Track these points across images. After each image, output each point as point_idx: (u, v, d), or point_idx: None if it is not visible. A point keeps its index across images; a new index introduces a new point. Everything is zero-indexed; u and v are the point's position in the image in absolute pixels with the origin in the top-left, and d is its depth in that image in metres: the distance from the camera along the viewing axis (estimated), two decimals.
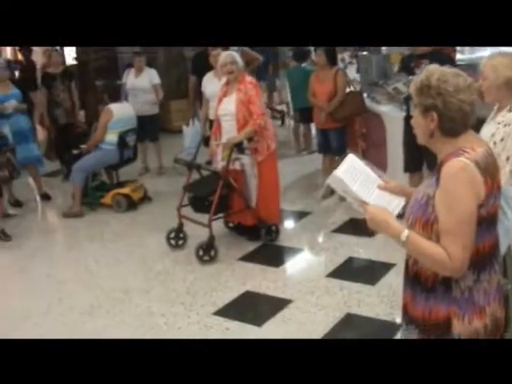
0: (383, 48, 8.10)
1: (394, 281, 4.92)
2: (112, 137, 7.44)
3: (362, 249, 5.94)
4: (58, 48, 9.49)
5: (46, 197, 8.35)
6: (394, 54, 7.57)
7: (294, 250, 6.03)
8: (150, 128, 8.75)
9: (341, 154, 6.95)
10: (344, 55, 10.49)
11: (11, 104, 7.65)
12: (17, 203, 8.11)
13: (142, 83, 8.75)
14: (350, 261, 5.68)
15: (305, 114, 8.59)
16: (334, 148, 7.23)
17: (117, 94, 8.05)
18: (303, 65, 9.05)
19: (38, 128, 9.01)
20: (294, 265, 5.84)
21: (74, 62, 12.16)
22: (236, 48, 7.36)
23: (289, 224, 6.81)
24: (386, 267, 5.35)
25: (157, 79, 8.84)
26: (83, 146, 7.69)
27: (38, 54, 11.85)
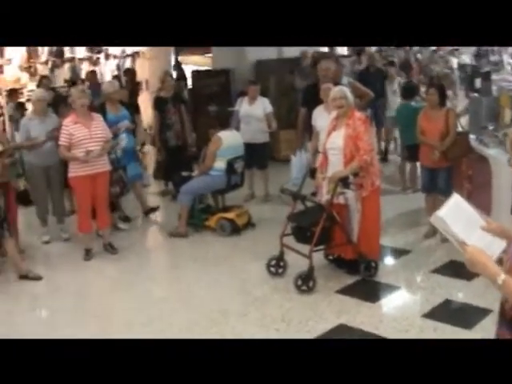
0: (493, 88, 8.00)
1: (491, 327, 4.82)
2: (220, 163, 7.68)
3: (459, 292, 5.87)
4: (172, 73, 9.90)
5: (152, 210, 8.72)
6: (504, 96, 7.45)
7: (392, 287, 6.02)
8: (259, 156, 8.97)
9: (446, 193, 6.88)
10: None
11: (124, 124, 8.08)
12: (126, 219, 8.50)
13: (256, 111, 8.99)
14: (446, 303, 5.62)
15: (412, 152, 8.56)
16: (440, 187, 7.16)
17: (227, 121, 8.29)
18: (412, 102, 9.04)
19: (149, 149, 9.40)
20: (390, 302, 5.84)
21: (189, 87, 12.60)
22: (346, 82, 7.48)
23: (388, 260, 6.80)
24: (483, 313, 5.25)
25: (270, 108, 9.06)
26: (193, 174, 7.98)
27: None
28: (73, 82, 13.43)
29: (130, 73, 12.68)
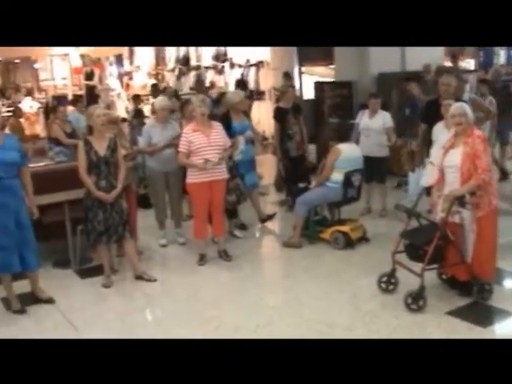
0: None
1: None
2: (338, 175, 7.68)
3: None
4: (294, 85, 10.03)
5: (268, 218, 8.85)
6: None
7: (505, 313, 5.79)
8: (377, 169, 8.91)
9: None
10: None
11: (248, 134, 8.27)
12: (242, 226, 8.67)
13: (376, 125, 8.94)
14: None
15: None
16: None
17: (347, 133, 8.29)
18: None
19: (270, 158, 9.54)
20: (503, 328, 5.62)
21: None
22: (467, 98, 7.30)
23: (504, 284, 6.56)
24: None
25: (390, 123, 8.97)
26: (310, 186, 8.02)
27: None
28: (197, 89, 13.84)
29: (241, 83, 12.91)
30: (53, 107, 12.49)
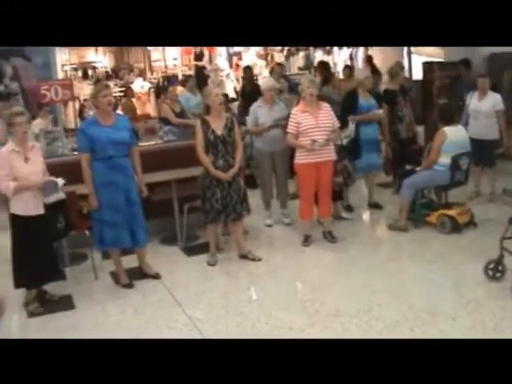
0: None
1: None
2: (445, 159, 7.49)
3: None
4: (403, 66, 9.84)
5: (375, 206, 8.78)
6: None
7: None
8: (487, 153, 8.63)
9: None
10: None
11: (377, 112, 8.32)
12: (349, 208, 8.63)
13: (485, 107, 8.64)
14: None
15: None
16: None
17: (453, 115, 8.03)
18: None
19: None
20: None
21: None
22: None
23: None
24: None
25: (500, 105, 8.64)
26: (417, 168, 7.87)
27: None
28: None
29: (322, 65, 12.75)
30: (163, 87, 12.77)
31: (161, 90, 13.23)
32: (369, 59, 14.31)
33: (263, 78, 13.61)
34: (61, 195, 6.14)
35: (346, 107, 8.47)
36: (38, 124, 10.01)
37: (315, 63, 15.93)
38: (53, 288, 6.45)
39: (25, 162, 5.94)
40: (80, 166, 6.29)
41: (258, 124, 8.02)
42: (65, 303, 6.28)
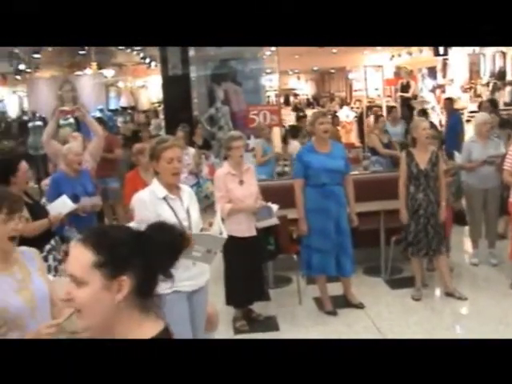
0: None
1: None
2: None
3: None
4: None
5: None
6: None
7: None
8: None
9: None
10: None
11: None
12: None
13: None
14: None
15: None
16: None
17: None
18: None
19: None
20: None
21: None
22: None
23: None
24: None
25: None
26: None
27: None
28: None
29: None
30: (376, 115, 12.75)
31: (375, 119, 13.28)
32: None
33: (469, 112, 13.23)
34: (273, 220, 6.29)
35: None
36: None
37: None
38: (258, 308, 6.61)
39: (240, 184, 6.16)
40: (292, 191, 6.42)
41: (471, 160, 7.75)
42: (269, 324, 6.42)
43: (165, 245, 1.87)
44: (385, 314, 6.55)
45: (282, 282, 7.50)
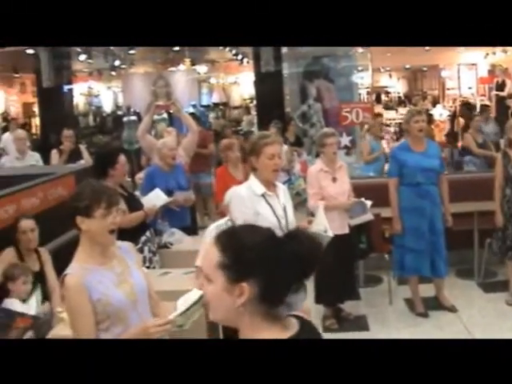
0: None
1: None
2: None
3: None
4: None
5: None
6: None
7: None
8: None
9: None
10: None
11: None
12: None
13: None
14: None
15: None
16: None
17: None
18: None
19: None
20: None
21: None
22: None
23: None
24: None
25: None
26: None
27: None
28: None
29: None
30: (468, 116, 12.48)
31: (466, 120, 12.99)
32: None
33: None
34: (368, 216, 6.25)
35: None
36: None
37: None
38: (348, 306, 6.58)
39: (333, 181, 6.14)
40: (385, 189, 6.36)
41: None
42: (359, 323, 6.38)
43: (300, 254, 1.78)
44: (477, 319, 6.38)
45: (373, 282, 7.43)
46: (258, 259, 1.76)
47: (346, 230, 6.13)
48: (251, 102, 19.68)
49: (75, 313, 3.10)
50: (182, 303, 3.02)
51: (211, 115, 19.00)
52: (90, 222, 3.08)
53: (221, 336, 4.62)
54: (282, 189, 4.53)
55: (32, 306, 4.16)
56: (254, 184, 4.36)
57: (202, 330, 4.19)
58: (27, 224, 5.10)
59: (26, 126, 16.99)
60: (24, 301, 4.59)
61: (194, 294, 2.79)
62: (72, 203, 3.16)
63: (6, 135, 12.63)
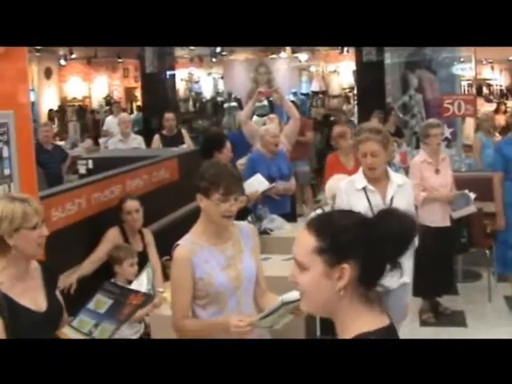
0: None
1: None
2: None
3: None
4: None
5: None
6: None
7: None
8: None
9: None
10: None
11: None
12: None
13: None
14: None
15: None
16: None
17: None
18: None
19: None
20: None
21: None
22: None
23: None
24: None
25: None
26: None
27: None
28: None
29: None
30: None
31: None
32: None
33: None
34: (471, 209, 6.11)
35: None
36: None
37: None
38: (445, 301, 6.48)
39: (435, 173, 6.05)
40: (488, 183, 6.21)
41: None
42: (457, 319, 6.27)
43: (393, 233, 1.76)
44: None
45: (471, 277, 7.26)
46: (355, 240, 1.76)
47: (448, 223, 6.05)
48: (350, 92, 19.53)
49: (175, 284, 3.20)
50: (276, 303, 2.94)
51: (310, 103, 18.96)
52: (207, 203, 3.12)
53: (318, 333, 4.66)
54: (396, 183, 4.27)
55: (143, 283, 4.30)
56: (357, 177, 4.29)
57: (300, 328, 4.21)
58: (132, 204, 5.15)
59: (126, 110, 17.47)
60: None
61: (292, 294, 2.77)
62: (194, 180, 3.19)
63: (110, 118, 13.04)
